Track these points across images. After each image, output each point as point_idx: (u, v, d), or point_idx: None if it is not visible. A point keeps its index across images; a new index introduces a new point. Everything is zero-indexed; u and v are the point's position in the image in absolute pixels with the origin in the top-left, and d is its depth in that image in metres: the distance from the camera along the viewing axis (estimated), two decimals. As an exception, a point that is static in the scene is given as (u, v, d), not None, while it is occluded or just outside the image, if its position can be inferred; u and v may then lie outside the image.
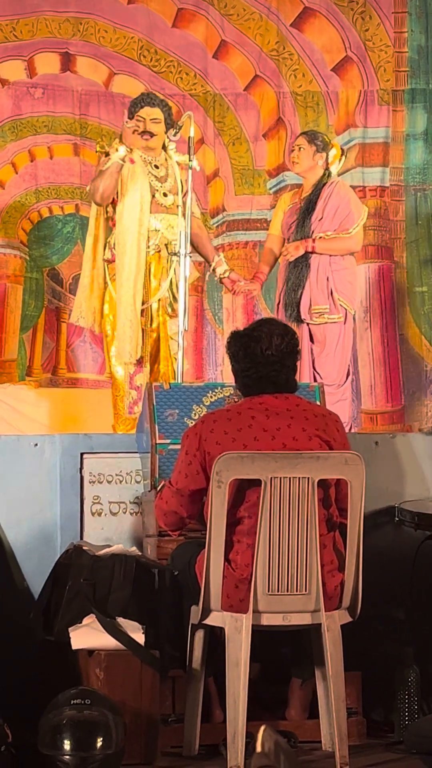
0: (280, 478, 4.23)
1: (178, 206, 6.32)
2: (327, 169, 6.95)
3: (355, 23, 8.44)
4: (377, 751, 4.61)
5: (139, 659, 4.41)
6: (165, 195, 6.47)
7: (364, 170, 8.34)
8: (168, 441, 4.97)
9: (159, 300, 6.46)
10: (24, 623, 4.80)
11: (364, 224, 7.00)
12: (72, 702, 4.13)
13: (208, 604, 4.30)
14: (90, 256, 6.55)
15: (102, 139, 7.92)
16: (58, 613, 4.61)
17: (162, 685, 4.50)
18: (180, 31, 8.51)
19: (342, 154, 7.06)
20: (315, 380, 6.66)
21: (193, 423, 4.63)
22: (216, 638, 4.43)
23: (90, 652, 4.46)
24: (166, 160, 6.54)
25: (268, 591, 4.26)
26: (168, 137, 6.53)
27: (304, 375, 6.65)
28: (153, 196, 6.44)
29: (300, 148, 6.93)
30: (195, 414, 5.02)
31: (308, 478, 4.24)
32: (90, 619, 4.51)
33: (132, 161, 6.36)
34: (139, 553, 4.79)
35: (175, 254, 6.29)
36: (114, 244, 6.45)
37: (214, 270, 6.73)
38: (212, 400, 5.08)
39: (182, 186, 6.34)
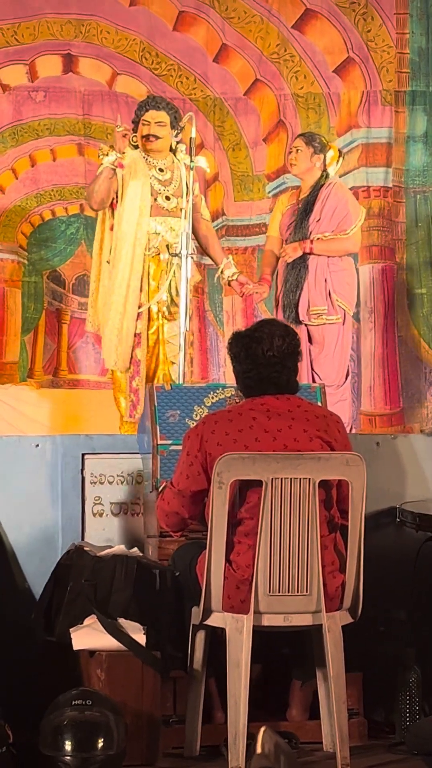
0: (281, 479, 4.23)
1: (181, 209, 6.32)
2: (325, 170, 6.95)
3: (357, 24, 8.44)
4: (378, 752, 4.61)
5: (140, 660, 4.41)
6: (167, 198, 6.47)
7: (368, 170, 8.35)
8: (169, 442, 4.97)
9: (158, 303, 6.46)
10: (25, 624, 4.80)
11: (368, 224, 7.02)
12: (73, 703, 4.13)
13: (209, 604, 4.30)
14: (96, 260, 6.57)
15: (107, 137, 7.95)
16: (59, 614, 4.61)
17: (163, 686, 4.51)
18: (181, 35, 8.51)
19: (340, 156, 7.07)
20: (314, 381, 6.66)
21: (195, 424, 4.63)
22: (217, 639, 4.43)
23: (91, 653, 4.47)
24: (172, 162, 6.55)
25: (269, 592, 4.26)
26: (172, 139, 6.54)
27: (302, 376, 6.65)
28: (155, 199, 6.45)
29: (297, 150, 6.94)
30: (196, 415, 5.02)
31: (309, 479, 4.24)
32: (91, 620, 4.51)
33: (121, 166, 6.35)
34: (141, 554, 4.79)
35: (176, 255, 6.30)
36: (110, 249, 6.46)
37: (222, 272, 6.74)
38: (214, 401, 5.08)
39: (187, 188, 6.34)
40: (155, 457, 4.96)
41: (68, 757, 4.04)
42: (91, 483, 5.26)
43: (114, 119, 8.25)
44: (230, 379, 8.30)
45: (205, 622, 4.35)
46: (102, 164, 6.39)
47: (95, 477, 5.26)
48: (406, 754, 4.51)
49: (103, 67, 8.50)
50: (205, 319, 8.43)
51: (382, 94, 8.43)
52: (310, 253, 6.82)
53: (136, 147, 6.52)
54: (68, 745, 4.04)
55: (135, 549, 4.81)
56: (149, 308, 6.44)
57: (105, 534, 5.21)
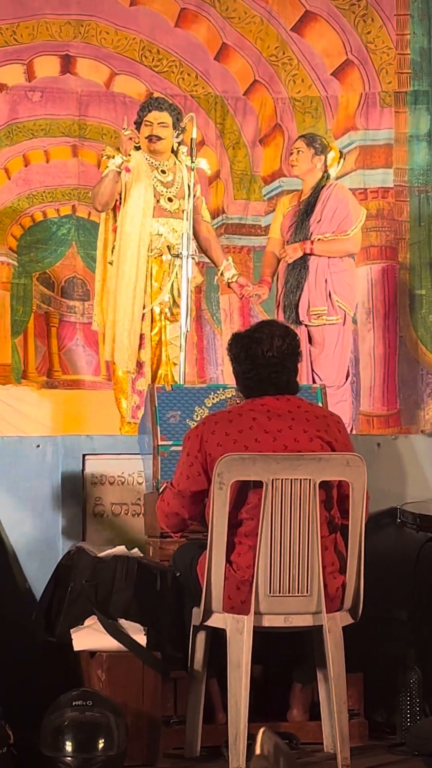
0: (282, 479, 4.23)
1: (183, 211, 6.32)
2: (326, 171, 6.96)
3: (357, 26, 8.45)
4: (379, 753, 4.61)
5: (141, 661, 4.41)
6: (170, 200, 6.48)
7: (365, 172, 8.35)
8: (170, 442, 4.97)
9: (160, 304, 6.47)
10: (26, 624, 4.80)
11: (366, 226, 7.01)
12: (74, 703, 4.13)
13: (209, 605, 4.30)
14: (101, 261, 6.58)
15: (103, 138, 7.95)
16: (60, 615, 4.61)
17: (164, 687, 4.50)
18: (182, 32, 8.52)
19: (341, 157, 7.08)
20: (314, 382, 6.66)
21: (195, 425, 4.63)
22: (218, 640, 4.43)
23: (92, 654, 4.47)
24: (175, 164, 6.56)
25: (270, 592, 4.26)
26: (174, 140, 6.55)
27: (302, 377, 6.65)
28: (158, 200, 6.46)
29: (298, 151, 6.94)
30: (197, 416, 5.02)
31: (310, 479, 4.24)
32: (92, 621, 4.51)
33: (128, 170, 6.37)
34: (141, 555, 4.79)
35: (177, 256, 6.30)
36: (113, 250, 6.47)
37: (222, 274, 6.75)
38: (214, 401, 5.08)
39: (189, 189, 6.34)
40: (156, 457, 4.96)
41: (69, 758, 4.04)
42: (92, 483, 5.26)
43: (110, 120, 8.27)
44: (228, 379, 8.33)
45: (205, 623, 4.35)
46: (108, 167, 6.40)
47: (96, 477, 5.27)
48: (406, 754, 4.51)
49: (101, 68, 8.50)
50: (202, 318, 8.44)
51: (381, 95, 8.43)
52: (310, 254, 6.83)
53: (138, 148, 6.53)
54: (69, 746, 4.04)
55: (135, 550, 4.81)
56: (152, 309, 6.45)
57: (105, 534, 5.21)
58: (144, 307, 6.43)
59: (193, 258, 6.29)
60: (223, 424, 4.33)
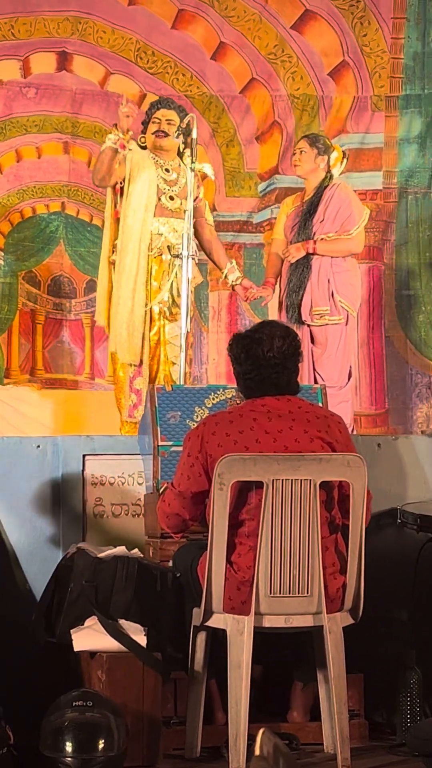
0: (282, 480, 4.22)
1: (184, 211, 6.32)
2: (329, 171, 6.95)
3: (354, 28, 8.46)
4: (379, 754, 4.61)
5: (141, 661, 4.41)
6: (171, 198, 6.49)
7: (352, 175, 8.35)
8: (170, 443, 4.97)
9: (159, 303, 6.47)
10: (26, 625, 4.80)
11: (355, 227, 7.01)
12: (74, 704, 4.13)
13: (210, 606, 4.30)
14: (105, 256, 6.57)
15: (95, 137, 7.97)
16: (60, 615, 4.60)
17: (164, 687, 4.50)
18: (179, 33, 8.52)
19: (344, 157, 7.07)
20: (316, 382, 6.66)
21: (195, 425, 4.63)
22: (218, 640, 4.43)
23: (92, 654, 4.46)
24: (179, 165, 6.57)
25: (270, 593, 4.26)
26: (177, 140, 6.55)
27: (304, 377, 6.65)
28: (159, 198, 6.47)
29: (301, 152, 6.94)
30: (197, 416, 5.01)
31: (310, 480, 4.24)
32: (92, 621, 4.51)
33: (123, 146, 6.38)
34: (141, 555, 4.79)
35: (177, 256, 6.30)
36: (114, 249, 6.47)
37: (226, 277, 6.76)
38: (214, 402, 5.07)
39: (193, 191, 6.35)
40: (156, 458, 4.96)
41: (69, 759, 4.03)
42: (92, 484, 5.26)
43: (103, 119, 8.27)
44: (212, 378, 8.34)
45: (205, 624, 4.35)
46: (105, 143, 6.43)
47: (96, 478, 5.27)
48: (407, 755, 4.51)
49: (96, 67, 8.50)
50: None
51: (373, 99, 8.45)
52: (313, 254, 6.82)
53: (144, 147, 6.55)
54: (69, 747, 4.04)
55: (136, 550, 4.82)
56: (151, 309, 6.45)
57: (106, 535, 5.20)
58: (145, 305, 6.43)
59: (193, 258, 6.29)
60: (224, 424, 4.33)
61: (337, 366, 6.79)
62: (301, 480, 4.23)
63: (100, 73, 8.51)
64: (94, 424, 7.67)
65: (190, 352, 6.71)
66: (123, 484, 5.28)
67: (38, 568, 5.07)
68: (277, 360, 4.38)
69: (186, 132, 6.32)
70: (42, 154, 8.53)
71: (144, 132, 6.62)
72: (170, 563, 4.68)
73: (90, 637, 4.48)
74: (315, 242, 6.82)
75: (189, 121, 6.28)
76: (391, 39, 8.46)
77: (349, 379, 6.89)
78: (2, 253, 8.40)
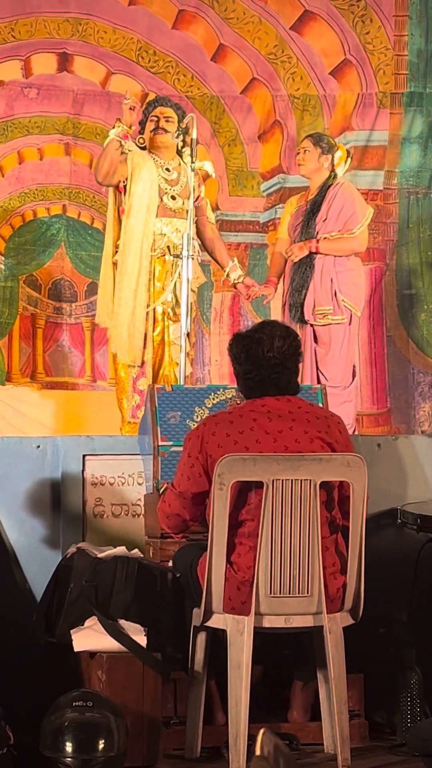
0: (282, 480, 4.22)
1: (187, 211, 6.32)
2: (333, 170, 6.94)
3: (355, 26, 8.46)
4: (379, 754, 4.61)
5: (141, 661, 4.41)
6: (173, 198, 6.49)
7: (358, 173, 8.35)
8: (170, 443, 4.96)
9: (163, 304, 6.47)
10: (26, 625, 4.80)
11: (358, 227, 7.00)
12: (74, 704, 4.13)
13: (210, 606, 4.29)
14: (108, 256, 6.57)
15: (96, 138, 7.97)
16: (60, 615, 4.60)
17: (164, 688, 4.50)
18: (180, 33, 8.52)
19: (348, 156, 7.06)
20: (319, 382, 6.65)
21: (195, 425, 4.63)
22: (218, 640, 4.43)
23: (92, 654, 4.46)
24: (179, 164, 6.57)
25: (270, 593, 4.26)
26: (176, 140, 6.55)
27: (308, 376, 6.65)
28: (161, 198, 6.47)
29: (305, 151, 6.93)
30: (197, 416, 5.01)
31: (310, 480, 4.24)
32: (92, 621, 4.50)
33: (126, 137, 6.38)
34: (141, 555, 4.78)
35: (178, 256, 6.30)
36: (117, 250, 6.47)
37: (228, 275, 6.75)
38: (214, 402, 5.07)
39: (194, 190, 6.35)
40: (156, 458, 4.95)
41: (69, 759, 4.03)
42: (92, 484, 5.26)
43: (105, 119, 8.28)
44: (214, 379, 8.34)
45: (206, 624, 4.35)
46: (108, 136, 6.42)
47: (96, 478, 5.26)
48: (407, 755, 4.51)
49: (97, 67, 8.51)
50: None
51: (378, 96, 8.44)
52: (316, 253, 6.81)
53: (143, 148, 6.54)
54: (69, 747, 4.04)
55: (136, 550, 4.81)
56: (154, 310, 6.45)
57: (106, 535, 5.20)
58: (147, 306, 6.43)
59: (193, 258, 6.29)
60: (224, 425, 4.32)
61: (340, 366, 6.78)
62: (301, 480, 4.23)
63: (102, 73, 8.51)
64: (94, 424, 7.67)
65: (192, 352, 6.72)
66: (123, 484, 5.28)
67: (38, 568, 5.07)
68: (277, 360, 4.38)
69: (185, 131, 6.32)
70: (44, 155, 8.53)
71: (142, 131, 6.60)
72: (170, 563, 4.67)
73: (90, 638, 4.47)
74: (318, 241, 6.81)
75: (188, 121, 6.28)
76: (394, 36, 8.46)
77: (353, 379, 6.87)
78: (3, 257, 8.41)
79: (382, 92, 8.43)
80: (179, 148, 6.60)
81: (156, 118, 6.55)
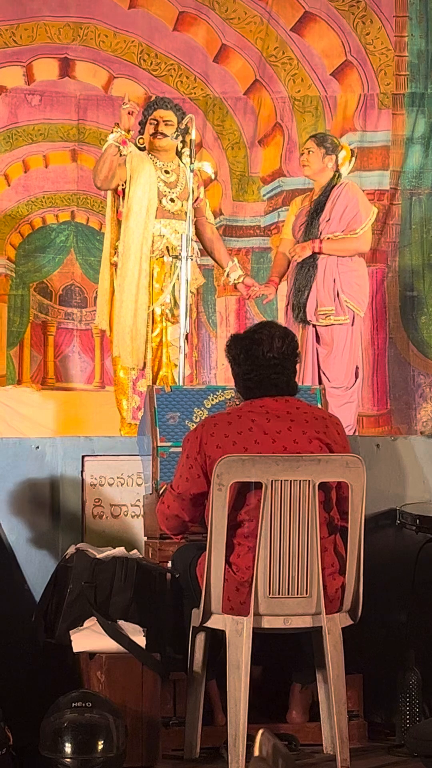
0: (281, 481, 4.22)
1: (186, 212, 6.33)
2: (337, 171, 6.94)
3: (356, 27, 8.46)
4: (378, 754, 4.61)
5: (140, 662, 4.41)
6: (172, 200, 6.49)
7: (362, 174, 8.35)
8: (169, 444, 4.96)
9: (161, 305, 6.47)
10: (25, 626, 4.80)
11: (362, 228, 7.00)
12: (73, 705, 4.13)
13: (209, 606, 4.30)
14: (107, 258, 6.57)
15: (101, 143, 7.95)
16: (59, 616, 4.61)
17: (163, 688, 4.50)
18: (181, 35, 8.53)
19: (352, 155, 7.05)
20: (320, 382, 6.64)
21: (194, 426, 4.63)
22: (217, 641, 4.43)
23: (91, 655, 4.46)
24: (178, 166, 6.57)
25: (269, 594, 4.26)
26: (175, 141, 6.55)
27: (307, 377, 6.65)
28: (160, 201, 6.47)
29: (309, 151, 6.92)
30: (196, 417, 5.01)
31: (309, 481, 4.24)
32: (91, 622, 4.51)
33: (124, 143, 6.38)
34: (141, 556, 4.79)
35: (177, 257, 6.31)
36: (116, 251, 6.48)
37: (228, 275, 6.75)
38: (213, 403, 5.07)
39: (194, 191, 6.35)
40: (155, 459, 4.95)
41: (68, 759, 4.04)
42: (91, 485, 5.26)
43: (108, 124, 8.29)
44: (221, 382, 8.34)
45: (205, 624, 4.35)
46: (107, 141, 6.43)
47: (95, 479, 5.27)
48: (406, 756, 4.51)
49: (99, 71, 8.51)
50: (198, 321, 8.44)
51: (380, 97, 8.44)
52: (319, 253, 6.80)
53: (143, 149, 6.54)
54: (68, 747, 4.04)
55: (135, 551, 4.82)
56: (153, 311, 6.46)
57: (105, 536, 5.20)
58: (148, 308, 6.43)
59: (191, 259, 6.29)
60: (223, 425, 4.33)
61: (343, 366, 6.77)
62: (300, 481, 4.23)
63: (104, 77, 8.51)
64: (93, 425, 7.67)
65: (194, 353, 6.72)
66: (122, 485, 5.29)
67: (37, 568, 5.07)
68: (277, 360, 4.39)
69: (185, 132, 6.33)
70: (49, 163, 8.53)
71: (141, 133, 6.60)
72: (169, 564, 4.68)
73: (89, 638, 4.48)
74: (321, 241, 6.80)
75: (188, 121, 6.28)
76: (394, 37, 8.46)
77: (356, 380, 6.85)
78: (14, 265, 8.41)
79: (383, 93, 8.43)
80: (179, 149, 6.60)
81: (155, 122, 6.54)
